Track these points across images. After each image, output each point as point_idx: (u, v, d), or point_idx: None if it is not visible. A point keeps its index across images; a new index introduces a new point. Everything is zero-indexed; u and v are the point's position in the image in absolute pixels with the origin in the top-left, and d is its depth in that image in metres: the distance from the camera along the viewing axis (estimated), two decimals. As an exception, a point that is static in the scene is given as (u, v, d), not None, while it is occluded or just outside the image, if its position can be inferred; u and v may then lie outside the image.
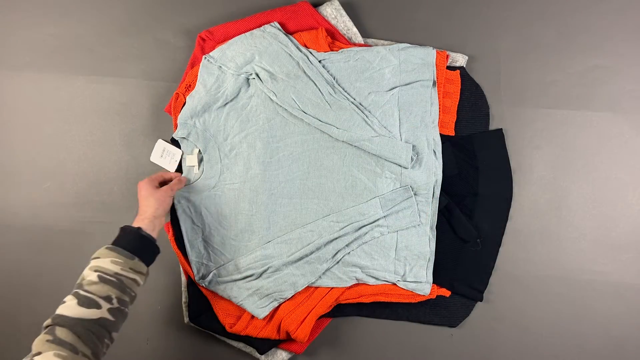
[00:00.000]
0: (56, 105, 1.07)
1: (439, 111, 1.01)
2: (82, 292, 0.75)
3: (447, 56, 1.02)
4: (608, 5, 1.04)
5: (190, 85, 1.01)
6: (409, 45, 1.01)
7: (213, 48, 1.02)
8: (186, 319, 1.01)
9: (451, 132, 1.02)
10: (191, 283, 1.00)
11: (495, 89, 1.05)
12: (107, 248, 0.81)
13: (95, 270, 0.77)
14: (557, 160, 1.04)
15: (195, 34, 1.03)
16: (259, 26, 1.02)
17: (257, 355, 1.01)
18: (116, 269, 0.78)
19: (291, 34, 1.02)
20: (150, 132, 1.07)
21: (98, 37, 1.07)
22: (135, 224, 0.85)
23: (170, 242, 0.99)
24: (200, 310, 1.00)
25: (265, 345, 0.99)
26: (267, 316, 0.98)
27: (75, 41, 1.08)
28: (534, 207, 1.04)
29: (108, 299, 0.76)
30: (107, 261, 0.79)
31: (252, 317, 0.98)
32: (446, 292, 1.01)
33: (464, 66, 1.04)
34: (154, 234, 0.86)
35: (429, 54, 1.00)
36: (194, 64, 1.03)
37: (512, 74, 1.05)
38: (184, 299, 1.02)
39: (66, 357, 0.68)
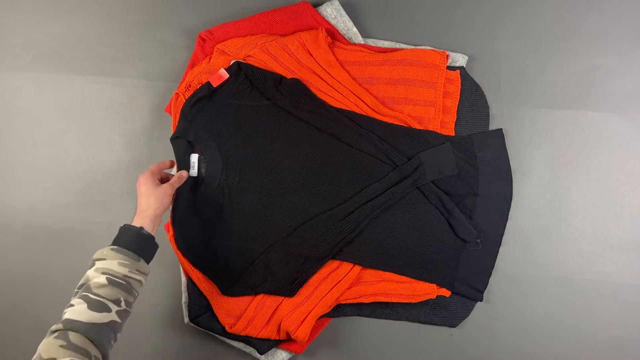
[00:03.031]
0: (56, 105, 1.07)
1: (439, 111, 1.01)
2: (91, 296, 0.74)
3: (447, 56, 1.02)
4: (608, 5, 1.04)
5: (190, 85, 1.00)
6: None
7: (213, 48, 1.02)
8: (186, 319, 1.01)
9: (451, 132, 1.02)
10: (191, 283, 1.00)
11: (495, 89, 1.05)
12: (112, 249, 0.80)
13: (103, 273, 0.77)
14: (557, 160, 1.04)
15: (195, 34, 1.03)
16: (259, 26, 1.02)
17: (257, 355, 1.01)
18: (124, 271, 0.78)
19: (291, 34, 1.02)
20: (150, 132, 1.06)
21: (98, 37, 1.07)
22: (136, 223, 0.85)
23: (170, 242, 0.99)
24: (200, 310, 1.00)
25: (265, 345, 0.99)
26: (267, 316, 0.98)
27: (75, 41, 1.08)
28: (534, 207, 1.04)
29: (117, 302, 0.76)
30: (114, 263, 0.78)
31: (252, 317, 0.98)
32: (446, 292, 1.01)
33: (464, 66, 1.04)
34: (153, 233, 0.86)
35: None
36: (194, 64, 1.03)
37: (512, 74, 1.05)
38: (184, 299, 1.02)
39: None
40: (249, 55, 1.00)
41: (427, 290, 1.00)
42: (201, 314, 1.00)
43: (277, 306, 0.98)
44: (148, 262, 0.84)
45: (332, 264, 0.99)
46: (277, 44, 1.00)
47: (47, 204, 1.07)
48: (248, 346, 1.01)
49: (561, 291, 1.03)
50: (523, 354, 1.03)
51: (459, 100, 1.02)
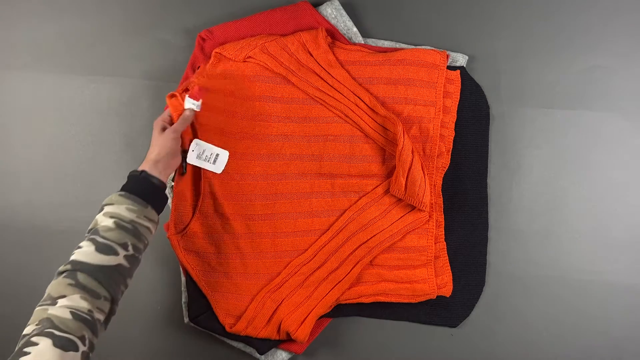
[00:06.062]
0: (56, 105, 1.07)
1: (439, 111, 1.01)
2: (99, 239, 0.75)
3: (447, 56, 1.02)
4: (608, 5, 1.04)
5: (187, 90, 1.00)
6: None
7: (213, 48, 1.02)
8: (186, 319, 1.01)
9: (451, 132, 1.02)
10: (191, 282, 1.00)
11: (495, 89, 1.05)
12: (120, 195, 0.80)
13: (111, 217, 0.77)
14: (557, 160, 1.04)
15: (195, 34, 1.03)
16: (259, 26, 1.02)
17: (257, 355, 1.01)
18: (132, 216, 0.78)
19: (291, 34, 1.02)
20: (150, 132, 1.06)
21: (98, 37, 1.07)
22: (140, 168, 0.84)
23: (170, 241, 0.99)
24: (200, 310, 1.00)
25: (265, 345, 0.99)
26: (267, 317, 0.98)
27: (75, 41, 1.08)
28: (534, 207, 1.04)
29: (124, 246, 0.76)
30: (122, 208, 0.78)
31: (252, 317, 0.98)
32: (446, 292, 1.01)
33: (464, 66, 1.04)
34: (161, 177, 0.84)
35: None
36: (194, 64, 1.03)
37: (512, 74, 1.05)
38: (183, 299, 1.02)
39: (91, 301, 0.70)
40: (249, 56, 1.00)
41: (427, 291, 1.00)
42: (201, 314, 1.00)
43: (277, 306, 0.98)
44: (157, 211, 0.83)
45: (332, 264, 0.99)
46: (277, 44, 1.00)
47: (47, 204, 1.07)
48: (248, 346, 1.01)
49: (561, 291, 1.03)
50: (523, 354, 1.03)
51: (459, 100, 1.02)
